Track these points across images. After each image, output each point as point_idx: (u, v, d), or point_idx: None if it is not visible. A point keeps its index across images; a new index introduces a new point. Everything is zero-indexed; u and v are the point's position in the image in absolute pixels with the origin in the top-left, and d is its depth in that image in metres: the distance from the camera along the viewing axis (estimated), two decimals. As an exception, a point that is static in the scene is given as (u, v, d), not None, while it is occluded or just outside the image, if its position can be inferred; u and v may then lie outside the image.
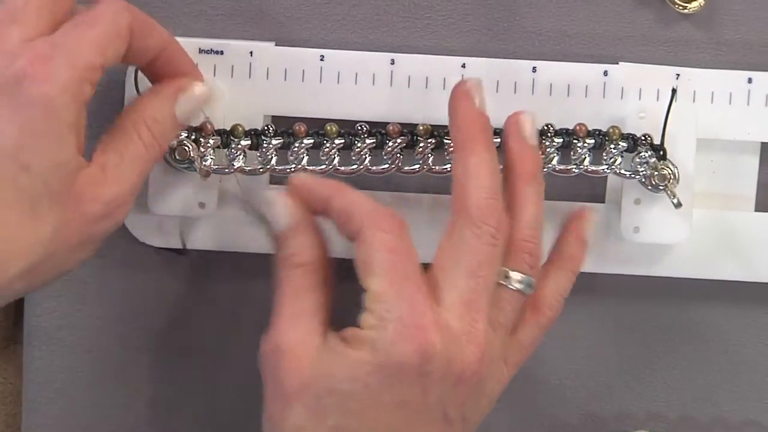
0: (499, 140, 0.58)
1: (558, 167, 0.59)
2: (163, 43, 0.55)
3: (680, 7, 0.61)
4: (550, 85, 0.60)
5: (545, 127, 0.59)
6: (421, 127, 0.59)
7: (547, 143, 0.59)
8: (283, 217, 0.53)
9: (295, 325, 0.51)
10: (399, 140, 0.59)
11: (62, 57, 0.50)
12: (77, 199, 0.50)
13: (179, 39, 0.60)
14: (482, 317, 0.51)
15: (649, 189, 0.59)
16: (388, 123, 0.59)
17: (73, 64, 0.50)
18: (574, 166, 0.59)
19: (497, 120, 0.59)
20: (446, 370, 0.50)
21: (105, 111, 0.61)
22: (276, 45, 0.60)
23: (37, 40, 0.50)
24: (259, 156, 0.58)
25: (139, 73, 0.59)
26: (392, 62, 0.60)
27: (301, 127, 0.59)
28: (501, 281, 0.53)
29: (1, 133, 0.49)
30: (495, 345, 0.53)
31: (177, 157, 0.58)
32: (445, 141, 0.59)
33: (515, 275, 0.53)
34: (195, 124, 0.57)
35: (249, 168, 0.58)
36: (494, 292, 0.53)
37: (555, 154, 0.59)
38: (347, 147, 0.59)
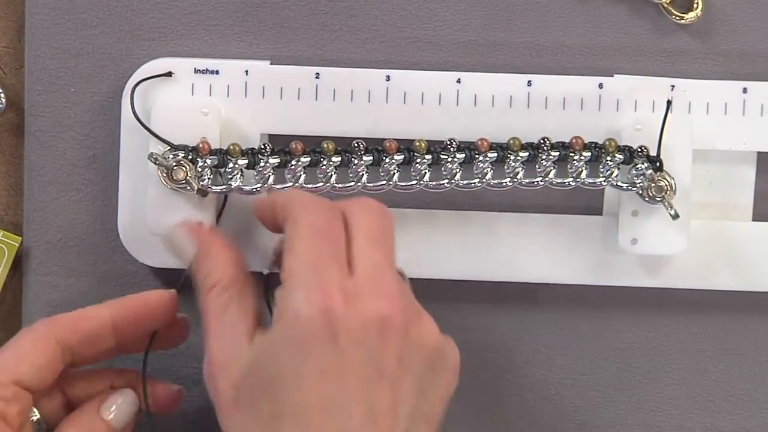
0: (495, 155, 0.59)
1: (555, 180, 0.59)
2: (101, 321, 0.56)
3: (677, 18, 0.61)
4: (546, 98, 0.60)
5: (541, 141, 0.59)
6: (417, 143, 0.59)
7: (544, 157, 0.59)
8: (186, 248, 0.55)
9: (222, 341, 0.52)
10: (396, 157, 0.59)
11: None
12: None
13: (175, 59, 0.60)
14: (392, 275, 0.51)
15: (646, 201, 0.59)
16: (385, 139, 0.59)
17: None
18: (571, 179, 0.59)
19: (494, 136, 0.59)
20: (360, 324, 0.49)
21: (101, 131, 0.61)
22: (271, 63, 0.61)
23: None
24: (257, 175, 0.59)
25: (136, 92, 0.59)
26: (387, 78, 0.60)
27: (298, 146, 0.59)
28: None
29: None
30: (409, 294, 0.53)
31: (174, 178, 0.58)
32: (442, 157, 0.59)
33: None
34: None
35: (247, 187, 0.58)
36: None
37: (552, 168, 0.59)
38: (344, 164, 0.59)
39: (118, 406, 0.56)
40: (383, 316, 0.50)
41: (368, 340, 0.50)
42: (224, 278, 0.53)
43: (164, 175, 0.58)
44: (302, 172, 0.59)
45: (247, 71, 0.60)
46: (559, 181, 0.59)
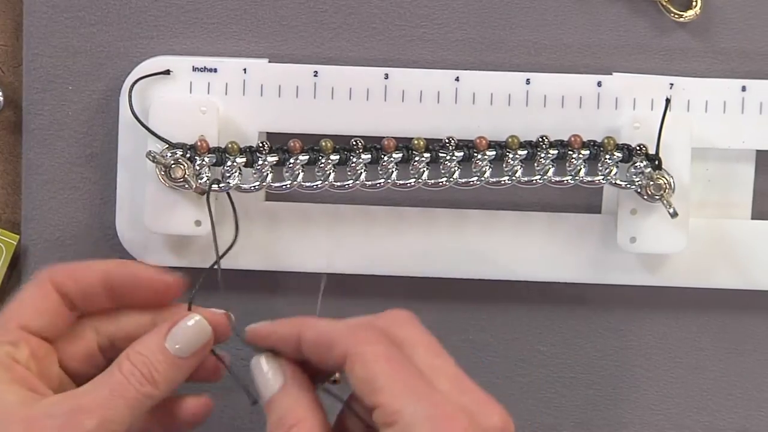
0: (494, 153, 0.59)
1: (554, 179, 0.59)
2: (102, 275, 0.55)
3: (676, 16, 0.61)
4: (545, 96, 0.60)
5: (540, 139, 0.59)
6: (415, 141, 0.59)
7: (542, 155, 0.59)
8: (270, 383, 0.52)
9: None
10: (395, 155, 0.59)
11: None
12: (35, 425, 0.50)
13: (173, 57, 0.60)
14: (472, 382, 0.51)
15: (645, 199, 0.59)
16: (383, 138, 0.59)
17: None
18: (570, 178, 0.59)
19: (493, 134, 0.59)
20: None
21: (99, 129, 0.61)
22: (269, 61, 0.61)
23: None
24: (255, 173, 0.59)
25: (134, 91, 0.59)
26: (386, 77, 0.60)
27: (296, 144, 0.59)
28: None
29: None
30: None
31: (172, 176, 0.58)
32: (440, 155, 0.59)
33: None
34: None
35: (245, 185, 0.58)
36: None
37: (550, 166, 0.59)
38: (342, 162, 0.59)
39: (186, 334, 0.53)
40: (501, 428, 0.50)
41: None
42: (306, 418, 0.51)
43: (162, 173, 0.58)
44: (300, 171, 0.59)
45: (245, 69, 0.60)
46: (557, 179, 0.59)
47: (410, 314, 0.52)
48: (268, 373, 0.52)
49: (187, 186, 0.58)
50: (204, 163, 0.58)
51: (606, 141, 0.59)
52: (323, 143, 0.59)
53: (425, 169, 0.59)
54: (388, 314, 0.52)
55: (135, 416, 0.52)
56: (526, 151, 0.59)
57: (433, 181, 0.59)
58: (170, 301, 0.56)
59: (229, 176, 0.58)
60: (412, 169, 0.59)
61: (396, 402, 0.48)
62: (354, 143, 0.59)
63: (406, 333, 0.51)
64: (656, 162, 0.59)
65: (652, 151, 0.59)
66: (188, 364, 0.53)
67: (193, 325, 0.54)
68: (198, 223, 0.59)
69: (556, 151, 0.59)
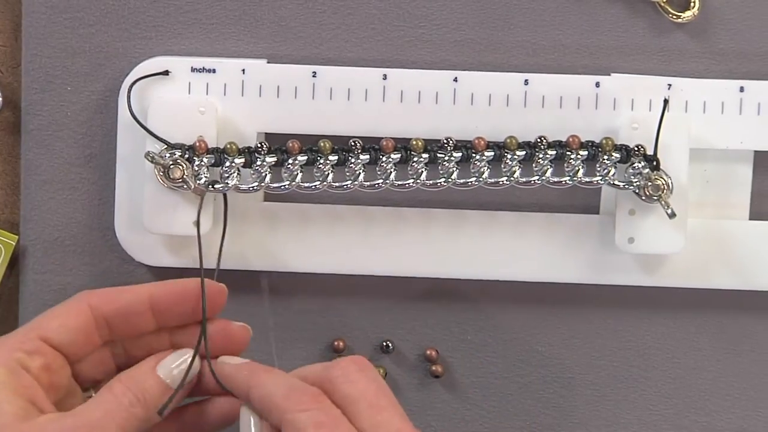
0: (492, 154, 0.59)
1: (552, 179, 0.59)
2: (139, 298, 0.55)
3: (674, 17, 0.61)
4: (543, 97, 0.60)
5: (538, 140, 0.59)
6: (414, 142, 0.59)
7: (541, 156, 0.59)
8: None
9: None
10: (393, 155, 0.59)
11: None
12: None
13: (172, 58, 0.60)
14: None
15: (643, 199, 0.59)
16: (382, 138, 0.59)
17: None
18: (568, 178, 0.59)
19: (491, 134, 0.59)
20: None
21: (97, 130, 0.61)
22: (268, 61, 0.61)
23: None
24: (253, 174, 0.59)
25: (133, 91, 0.59)
26: (384, 77, 0.60)
27: (295, 144, 0.59)
28: None
29: None
30: None
31: (170, 176, 0.58)
32: (438, 155, 0.59)
33: None
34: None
35: (244, 186, 0.58)
36: None
37: (548, 167, 0.59)
38: (341, 163, 0.59)
39: (177, 365, 0.54)
40: None
41: None
42: None
43: (161, 173, 0.58)
44: (299, 171, 0.59)
45: (244, 70, 0.60)
46: (555, 179, 0.59)
47: (362, 364, 0.52)
48: (252, 428, 0.53)
49: (185, 186, 0.58)
50: (203, 163, 0.58)
51: (604, 142, 0.59)
52: (322, 144, 0.59)
53: (423, 169, 0.59)
54: (339, 364, 0.52)
55: None
56: (524, 152, 0.59)
57: (431, 182, 0.59)
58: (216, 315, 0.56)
59: (228, 177, 0.58)
60: (410, 170, 0.59)
61: None
62: (352, 144, 0.59)
63: (351, 389, 0.51)
64: (654, 162, 0.59)
65: (650, 151, 0.59)
66: (177, 392, 0.54)
67: (181, 357, 0.54)
68: (197, 223, 0.59)
69: (554, 152, 0.59)
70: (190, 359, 0.54)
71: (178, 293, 0.55)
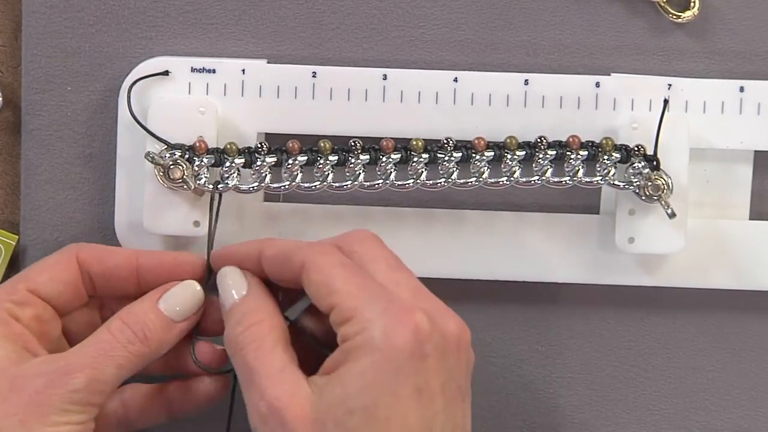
0: (492, 154, 0.59)
1: (552, 179, 0.59)
2: (127, 261, 0.55)
3: (674, 17, 0.61)
4: (543, 97, 0.60)
5: (538, 140, 0.59)
6: (414, 142, 0.59)
7: (540, 156, 0.59)
8: (236, 290, 0.53)
9: (282, 380, 0.50)
10: (393, 156, 0.59)
11: None
12: (22, 383, 0.51)
13: (172, 58, 0.60)
14: (433, 295, 0.52)
15: (643, 199, 0.59)
16: (382, 138, 0.59)
17: None
18: (568, 178, 0.59)
19: (491, 134, 0.59)
20: (444, 344, 0.50)
21: (97, 130, 0.61)
22: (268, 61, 0.61)
23: None
24: (253, 174, 0.59)
25: (133, 91, 0.59)
26: (384, 77, 0.60)
27: (295, 144, 0.59)
28: None
29: None
30: None
31: (171, 177, 0.58)
32: (438, 156, 0.59)
33: None
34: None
35: (244, 186, 0.58)
36: None
37: (549, 167, 0.59)
38: (341, 163, 0.59)
39: (178, 297, 0.54)
40: (458, 334, 0.51)
41: (449, 357, 0.50)
42: (271, 317, 0.52)
43: (161, 174, 0.58)
44: (299, 171, 0.59)
45: (244, 70, 0.60)
46: (556, 179, 0.59)
47: (372, 234, 0.53)
48: (232, 282, 0.54)
49: (185, 187, 0.58)
50: (203, 163, 0.58)
51: (604, 142, 0.59)
52: (322, 144, 0.59)
53: (423, 169, 0.59)
54: (350, 233, 0.53)
55: (123, 376, 0.52)
56: (524, 152, 0.59)
57: (431, 182, 0.59)
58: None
59: (228, 177, 0.58)
60: (410, 170, 0.59)
61: (351, 301, 0.49)
62: (352, 144, 0.59)
63: (368, 250, 0.52)
64: (654, 162, 0.59)
65: (650, 151, 0.59)
66: (179, 327, 0.54)
67: (186, 289, 0.55)
68: (197, 223, 0.59)
69: (554, 152, 0.59)
70: (192, 285, 0.55)
71: (168, 266, 0.55)
